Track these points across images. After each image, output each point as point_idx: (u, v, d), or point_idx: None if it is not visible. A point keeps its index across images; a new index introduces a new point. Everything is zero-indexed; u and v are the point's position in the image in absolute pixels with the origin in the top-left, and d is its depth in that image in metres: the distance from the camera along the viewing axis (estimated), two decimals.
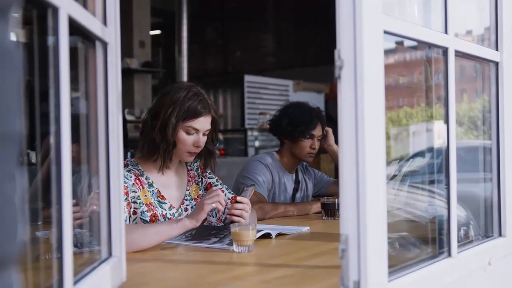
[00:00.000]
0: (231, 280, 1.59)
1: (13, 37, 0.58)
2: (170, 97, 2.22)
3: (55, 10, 1.01)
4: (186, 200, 2.37)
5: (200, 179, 2.45)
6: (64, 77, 1.03)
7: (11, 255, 0.56)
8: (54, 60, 1.02)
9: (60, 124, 1.02)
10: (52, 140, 1.02)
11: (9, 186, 0.55)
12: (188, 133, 2.23)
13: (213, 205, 2.00)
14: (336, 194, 3.05)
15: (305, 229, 2.39)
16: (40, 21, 1.03)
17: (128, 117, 6.98)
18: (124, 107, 1.57)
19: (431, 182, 1.95)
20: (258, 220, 2.62)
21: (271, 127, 3.19)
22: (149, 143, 2.23)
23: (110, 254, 1.39)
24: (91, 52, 1.35)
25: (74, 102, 1.10)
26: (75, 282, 1.10)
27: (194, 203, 2.37)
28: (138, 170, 2.25)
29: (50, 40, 1.03)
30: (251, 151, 7.37)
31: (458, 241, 1.58)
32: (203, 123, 2.25)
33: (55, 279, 1.03)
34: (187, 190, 2.38)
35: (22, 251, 0.60)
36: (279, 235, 2.22)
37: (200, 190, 2.43)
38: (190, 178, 2.41)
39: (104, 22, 1.37)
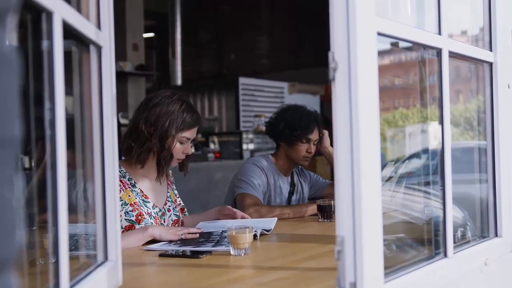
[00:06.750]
0: (229, 283, 1.58)
1: (10, 41, 0.58)
2: (165, 108, 2.29)
3: (49, 14, 1.01)
4: (168, 201, 2.47)
5: (173, 186, 2.57)
6: (58, 81, 1.02)
7: (10, 258, 0.56)
8: (48, 64, 1.02)
9: (55, 128, 1.01)
10: (47, 144, 1.02)
11: (7, 189, 0.55)
12: (181, 142, 2.34)
13: (182, 236, 2.15)
14: (332, 196, 3.05)
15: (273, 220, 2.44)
16: (34, 24, 1.03)
17: (122, 121, 6.94)
18: (118, 110, 1.59)
19: (427, 183, 1.95)
20: None
21: (267, 129, 3.19)
22: (146, 152, 2.29)
23: (106, 258, 1.39)
24: (85, 56, 1.35)
25: (67, 106, 1.09)
26: (71, 286, 1.10)
27: (174, 205, 2.49)
28: (120, 172, 2.29)
29: (44, 44, 1.02)
30: (246, 154, 7.36)
31: (455, 242, 1.59)
32: (195, 132, 2.39)
33: (52, 283, 1.02)
34: (168, 192, 2.49)
35: (21, 254, 0.60)
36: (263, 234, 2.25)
37: (175, 196, 2.55)
38: (169, 182, 2.53)
39: (98, 26, 1.36)
